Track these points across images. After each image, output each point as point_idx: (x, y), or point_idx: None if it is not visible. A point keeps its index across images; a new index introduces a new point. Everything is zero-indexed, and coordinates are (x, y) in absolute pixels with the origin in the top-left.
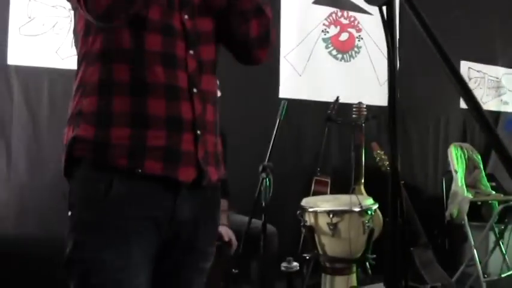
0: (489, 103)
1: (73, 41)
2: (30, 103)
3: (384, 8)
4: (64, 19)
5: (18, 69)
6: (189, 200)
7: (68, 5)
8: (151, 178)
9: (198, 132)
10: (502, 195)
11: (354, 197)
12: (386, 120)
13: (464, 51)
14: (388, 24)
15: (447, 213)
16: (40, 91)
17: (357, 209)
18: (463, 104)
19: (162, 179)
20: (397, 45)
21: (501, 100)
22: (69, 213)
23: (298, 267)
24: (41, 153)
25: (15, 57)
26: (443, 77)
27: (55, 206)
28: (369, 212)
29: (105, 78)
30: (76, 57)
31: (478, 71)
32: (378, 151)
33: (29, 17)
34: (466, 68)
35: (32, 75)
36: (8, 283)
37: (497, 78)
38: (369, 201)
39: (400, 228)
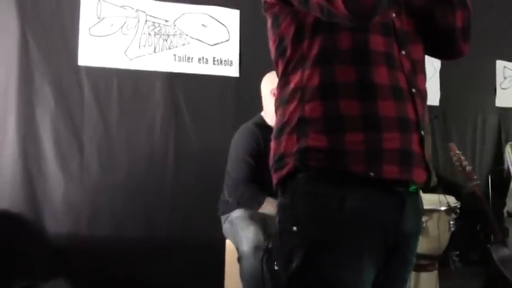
0: None
1: (274, 44)
2: (100, 104)
3: None
4: (132, 20)
5: (89, 70)
6: (412, 207)
7: (136, 6)
8: (384, 184)
9: (422, 132)
10: None
11: (441, 197)
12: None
13: (499, 51)
14: None
15: (506, 210)
16: (110, 92)
17: (444, 208)
18: (498, 103)
19: (394, 184)
20: None
21: None
22: (294, 228)
23: None
24: (112, 153)
25: (85, 58)
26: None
27: (127, 206)
28: (454, 211)
29: (328, 81)
30: (277, 62)
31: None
32: (457, 152)
33: (99, 18)
34: (501, 67)
35: (101, 76)
36: (83, 282)
37: None
38: (452, 200)
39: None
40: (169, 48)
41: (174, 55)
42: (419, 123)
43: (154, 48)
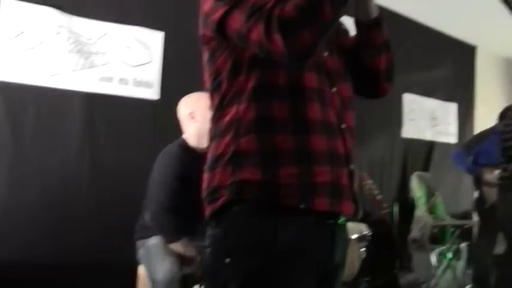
0: (426, 133)
1: (209, 78)
2: (14, 121)
3: None
4: (54, 35)
5: (4, 85)
6: (340, 238)
7: (59, 22)
8: (315, 216)
9: (351, 166)
10: (456, 219)
11: (353, 224)
12: None
13: (407, 84)
14: None
15: (410, 237)
16: (25, 109)
17: (356, 236)
18: (404, 134)
19: (324, 216)
20: None
21: (436, 131)
22: (227, 260)
23: None
24: (24, 173)
25: (1, 72)
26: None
27: (37, 229)
28: (366, 238)
29: (263, 116)
30: (212, 95)
31: (417, 103)
32: (367, 181)
33: (18, 31)
34: (408, 99)
35: (17, 92)
36: None
37: (432, 110)
38: (364, 228)
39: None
40: (91, 67)
41: (95, 74)
42: (348, 158)
43: (75, 66)
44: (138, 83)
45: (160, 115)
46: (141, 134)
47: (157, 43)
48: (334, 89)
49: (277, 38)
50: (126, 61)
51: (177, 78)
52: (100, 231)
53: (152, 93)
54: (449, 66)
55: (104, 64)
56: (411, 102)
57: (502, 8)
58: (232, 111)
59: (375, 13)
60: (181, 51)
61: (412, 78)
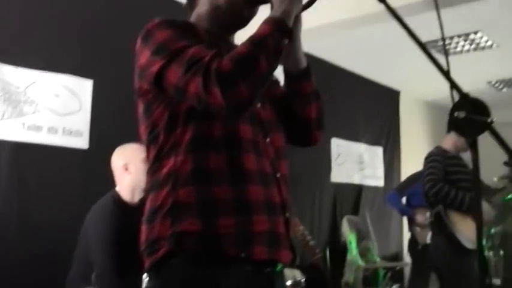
0: (354, 177)
1: (145, 130)
2: None
3: None
4: None
5: None
6: (278, 286)
7: None
8: (255, 265)
9: (287, 214)
10: (387, 261)
11: (287, 271)
12: None
13: (334, 129)
14: None
15: (343, 281)
16: None
17: (290, 282)
18: (333, 178)
19: (263, 264)
20: None
21: (363, 174)
22: None
23: None
24: None
25: None
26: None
27: None
28: (300, 285)
29: (200, 167)
30: (148, 148)
31: (345, 148)
32: (300, 227)
33: None
34: (336, 144)
35: None
36: None
37: (360, 154)
38: (298, 274)
39: None
40: (19, 116)
41: (23, 123)
42: (284, 206)
43: (3, 115)
44: (68, 132)
45: (90, 165)
46: (71, 184)
47: (86, 91)
48: (268, 140)
49: (216, 91)
50: (55, 110)
51: (107, 126)
52: (28, 284)
53: (82, 142)
54: (374, 110)
55: (32, 113)
56: (339, 146)
57: (423, 55)
58: (170, 163)
59: (303, 63)
60: (111, 99)
61: (339, 123)
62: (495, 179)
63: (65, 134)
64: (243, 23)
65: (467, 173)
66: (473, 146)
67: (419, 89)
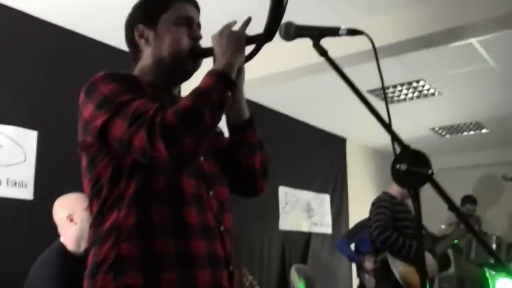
0: (303, 225)
1: (89, 184)
2: None
3: None
4: None
5: None
6: None
7: None
8: None
9: (231, 268)
10: None
11: None
12: None
13: (282, 177)
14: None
15: None
16: None
17: None
18: (281, 226)
19: None
20: None
21: (312, 222)
22: None
23: None
24: None
25: None
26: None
27: None
28: None
29: (143, 221)
30: (91, 201)
31: (292, 196)
32: (249, 276)
33: None
34: (283, 192)
35: None
36: None
37: (307, 201)
38: None
39: None
40: None
41: None
42: (228, 260)
43: None
44: (12, 183)
45: (35, 216)
46: (16, 235)
47: (31, 142)
48: (211, 193)
49: (160, 145)
50: None
51: (52, 177)
52: None
53: (26, 193)
54: (322, 158)
55: None
56: (286, 194)
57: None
58: (113, 217)
59: (247, 114)
60: (56, 149)
61: (286, 171)
62: (443, 226)
63: (9, 185)
64: (187, 75)
65: (413, 220)
66: (415, 197)
67: (365, 136)
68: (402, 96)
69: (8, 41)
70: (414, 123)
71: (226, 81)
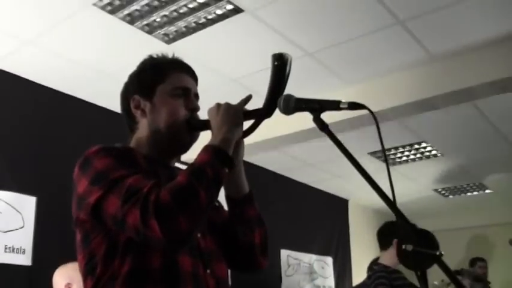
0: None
1: (83, 260)
2: None
3: None
4: None
5: None
6: None
7: None
8: None
9: None
10: None
11: None
12: None
13: (283, 241)
14: None
15: None
16: None
17: None
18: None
19: None
20: None
21: (315, 285)
22: None
23: None
24: None
25: None
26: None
27: None
28: None
29: None
30: (85, 278)
31: (295, 259)
32: None
33: None
34: (285, 255)
35: None
36: None
37: (310, 264)
38: None
39: None
40: None
41: None
42: None
43: None
44: (10, 249)
45: (33, 282)
46: None
47: (30, 208)
48: (208, 271)
49: (154, 224)
50: None
51: (51, 244)
52: None
53: (25, 259)
54: (324, 220)
55: None
56: (288, 257)
57: (369, 164)
58: None
59: (246, 189)
60: (55, 215)
61: (288, 234)
62: (435, 282)
63: (7, 251)
64: (184, 148)
65: (408, 285)
66: (422, 278)
67: (367, 197)
68: (404, 158)
69: (5, 106)
70: (417, 183)
71: (223, 158)
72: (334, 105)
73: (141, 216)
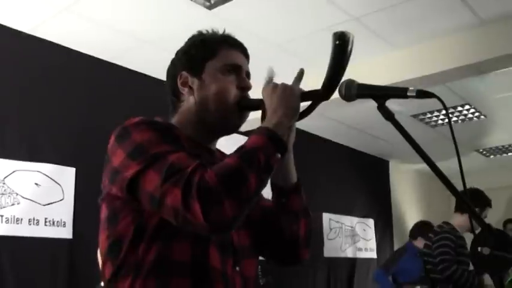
0: (347, 250)
1: (106, 240)
2: None
3: None
4: None
5: None
6: None
7: None
8: None
9: None
10: None
11: None
12: None
13: (325, 205)
14: None
15: None
16: None
17: None
18: (326, 253)
19: None
20: None
21: (356, 247)
22: None
23: None
24: None
25: None
26: None
27: None
28: None
29: None
30: (105, 260)
31: (336, 222)
32: None
33: None
34: (327, 219)
35: None
36: None
37: (351, 227)
38: None
39: None
40: None
41: (2, 216)
42: None
43: None
44: (50, 223)
45: (74, 255)
46: (54, 277)
47: (69, 180)
48: (237, 268)
49: (196, 206)
50: (36, 200)
51: (91, 216)
52: None
53: (65, 232)
54: (365, 182)
55: (12, 204)
56: (330, 221)
57: (410, 125)
58: (126, 286)
59: (294, 178)
60: (94, 188)
61: (330, 197)
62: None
63: (47, 225)
64: (232, 129)
65: (467, 255)
66: (499, 284)
67: (407, 158)
68: (447, 120)
69: (45, 75)
70: (459, 145)
71: (277, 143)
72: (401, 92)
73: (183, 197)
